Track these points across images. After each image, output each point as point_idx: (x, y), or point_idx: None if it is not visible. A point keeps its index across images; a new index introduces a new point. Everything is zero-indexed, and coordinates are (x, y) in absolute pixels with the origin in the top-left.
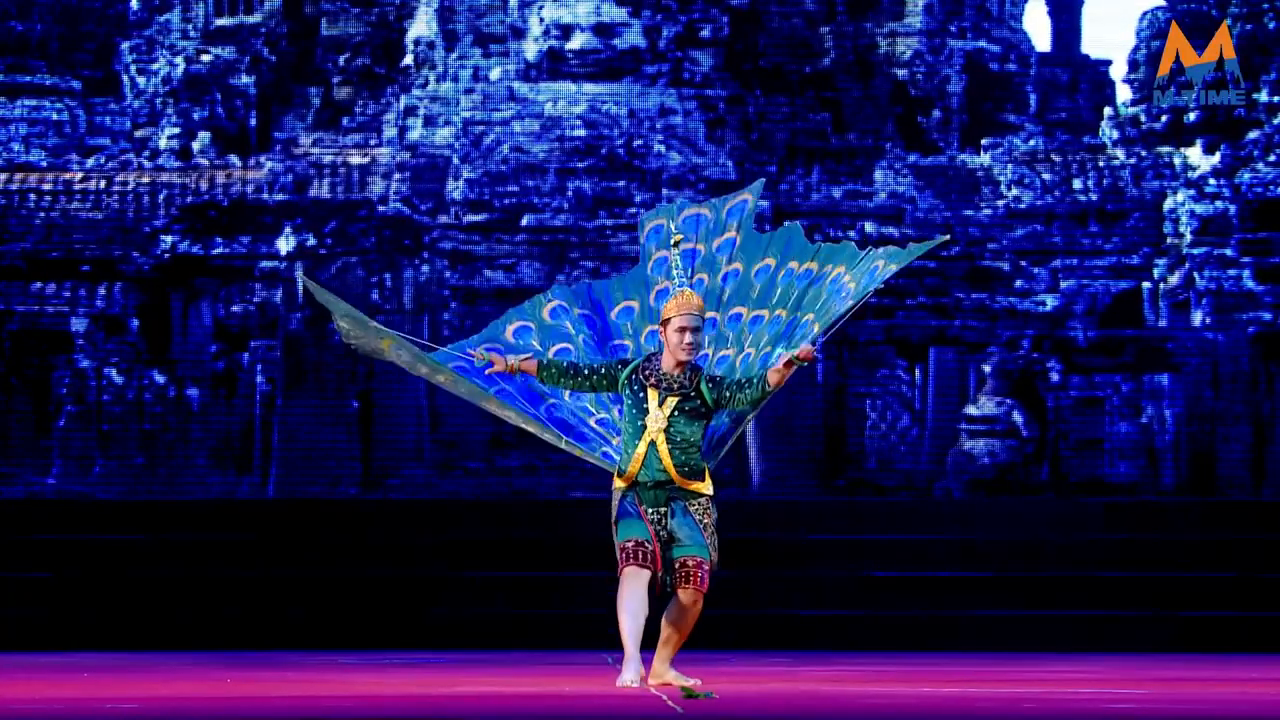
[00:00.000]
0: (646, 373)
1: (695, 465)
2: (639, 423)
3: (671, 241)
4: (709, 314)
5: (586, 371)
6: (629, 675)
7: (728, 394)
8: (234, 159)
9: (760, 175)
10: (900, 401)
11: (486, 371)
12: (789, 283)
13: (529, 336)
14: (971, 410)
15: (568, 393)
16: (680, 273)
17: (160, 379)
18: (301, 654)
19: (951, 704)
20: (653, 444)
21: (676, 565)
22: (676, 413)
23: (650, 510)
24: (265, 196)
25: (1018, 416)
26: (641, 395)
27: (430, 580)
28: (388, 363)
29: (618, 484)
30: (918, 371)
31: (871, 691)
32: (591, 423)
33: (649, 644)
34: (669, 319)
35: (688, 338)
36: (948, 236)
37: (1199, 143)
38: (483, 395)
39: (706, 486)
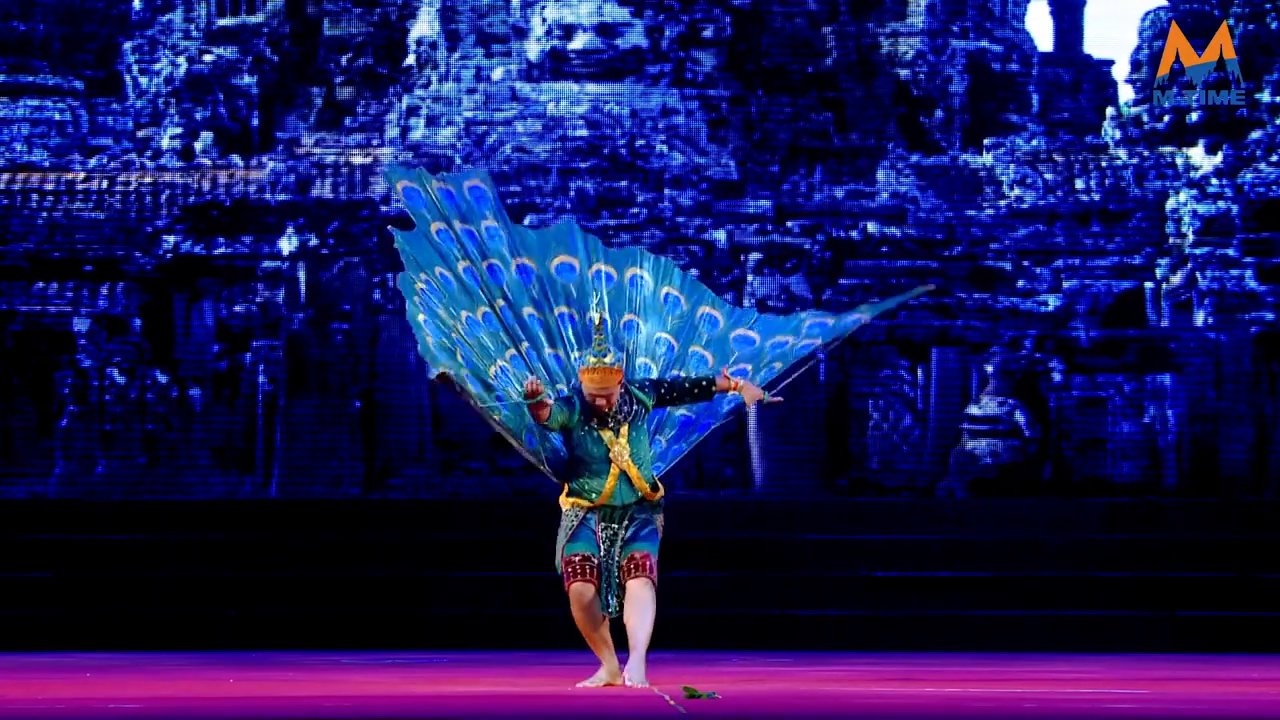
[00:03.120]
0: (588, 415)
1: (652, 475)
2: (606, 458)
3: (594, 319)
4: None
5: (548, 414)
6: (598, 675)
7: (670, 395)
8: (236, 159)
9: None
10: (902, 401)
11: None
12: (696, 324)
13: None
14: (974, 410)
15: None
16: (606, 343)
17: (163, 379)
18: (301, 654)
19: (951, 704)
20: (623, 474)
21: (625, 561)
22: (633, 434)
23: (606, 526)
24: (267, 196)
25: (1020, 416)
26: (597, 435)
27: (430, 580)
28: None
29: (575, 504)
30: (920, 371)
31: (871, 691)
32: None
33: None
34: (583, 384)
35: (599, 402)
36: (931, 286)
37: (1201, 143)
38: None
39: (661, 493)
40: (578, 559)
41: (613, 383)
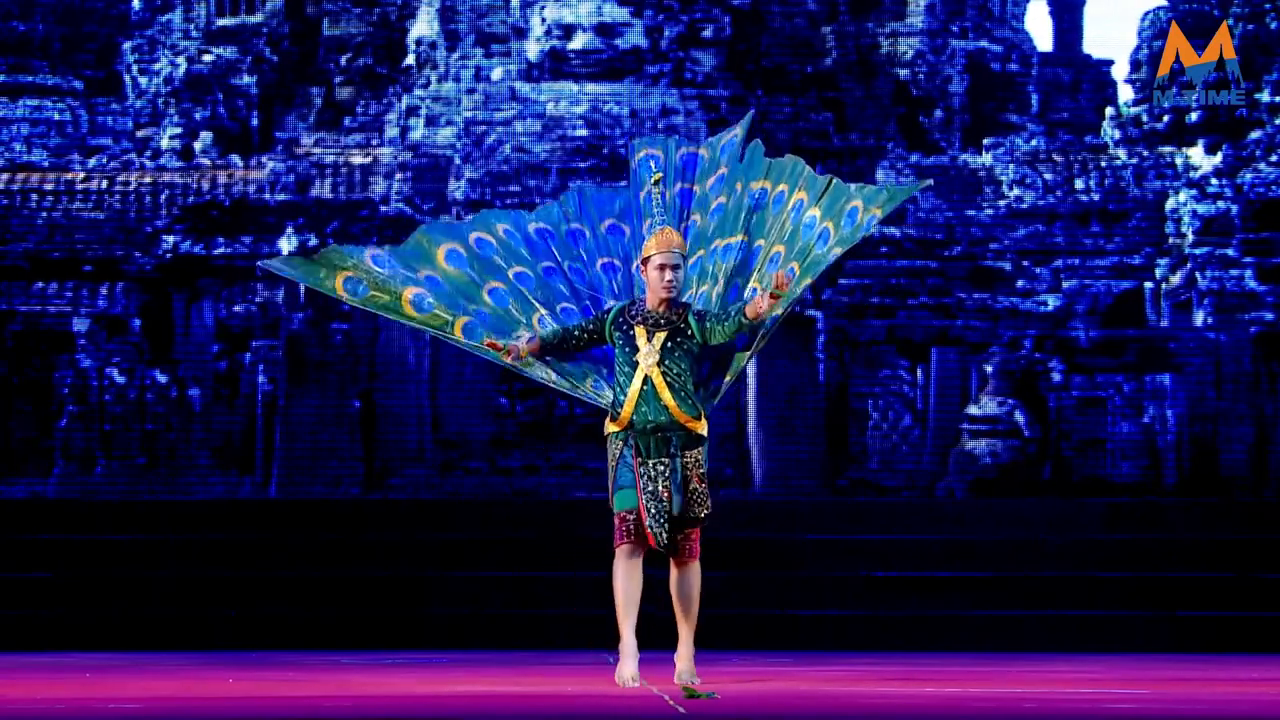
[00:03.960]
0: (632, 313)
1: (693, 402)
2: (632, 359)
3: (651, 180)
4: (699, 253)
5: (576, 333)
6: (628, 671)
7: (706, 326)
8: (236, 159)
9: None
10: (902, 401)
11: (501, 356)
12: (738, 203)
13: (461, 263)
14: (973, 410)
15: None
16: (660, 209)
17: (162, 379)
18: (301, 654)
19: (951, 704)
20: (648, 379)
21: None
22: (669, 346)
23: (651, 462)
24: (267, 196)
25: (1020, 416)
26: (630, 334)
27: (430, 580)
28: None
29: (611, 427)
30: (920, 371)
31: (871, 691)
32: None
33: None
34: (649, 256)
35: (667, 275)
36: (930, 181)
37: (1201, 143)
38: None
39: (703, 426)
40: (631, 518)
41: (675, 245)
